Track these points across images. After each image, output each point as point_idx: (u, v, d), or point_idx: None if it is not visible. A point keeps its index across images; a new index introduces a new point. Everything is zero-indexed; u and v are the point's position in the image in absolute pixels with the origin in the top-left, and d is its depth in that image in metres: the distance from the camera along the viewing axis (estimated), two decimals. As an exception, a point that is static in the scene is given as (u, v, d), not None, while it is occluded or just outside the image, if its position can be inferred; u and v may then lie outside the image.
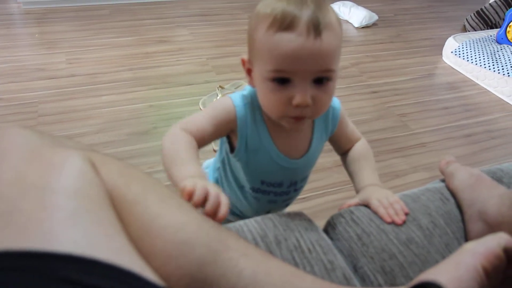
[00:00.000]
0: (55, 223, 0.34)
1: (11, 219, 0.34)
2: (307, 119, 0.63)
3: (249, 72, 0.64)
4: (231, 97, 0.67)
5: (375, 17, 2.86)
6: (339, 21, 0.59)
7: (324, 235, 0.61)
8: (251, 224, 0.61)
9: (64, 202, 0.36)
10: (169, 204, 0.45)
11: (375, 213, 0.65)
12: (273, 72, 0.57)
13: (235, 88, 1.90)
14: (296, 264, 0.55)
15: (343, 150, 0.81)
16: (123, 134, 1.62)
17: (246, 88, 0.69)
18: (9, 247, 0.32)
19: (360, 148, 0.79)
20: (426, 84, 2.19)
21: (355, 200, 0.70)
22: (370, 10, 2.90)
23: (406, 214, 0.65)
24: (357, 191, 0.73)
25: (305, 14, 0.54)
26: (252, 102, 0.67)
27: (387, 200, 0.66)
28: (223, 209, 0.49)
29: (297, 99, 0.57)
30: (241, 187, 0.79)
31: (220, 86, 1.88)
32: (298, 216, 0.65)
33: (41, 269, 0.31)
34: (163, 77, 2.03)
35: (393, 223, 0.63)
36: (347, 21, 2.89)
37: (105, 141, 1.58)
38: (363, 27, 2.82)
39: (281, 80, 0.57)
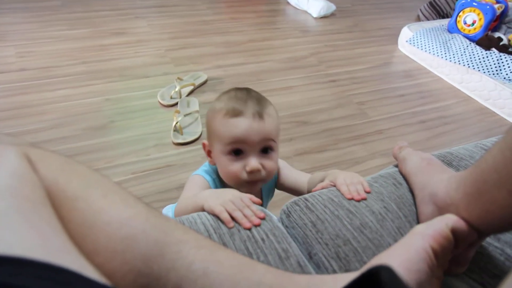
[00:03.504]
0: None
1: None
2: (260, 183, 0.77)
3: (209, 153, 0.80)
4: (202, 175, 0.82)
5: (333, 7, 2.89)
6: (276, 111, 0.78)
7: (279, 224, 0.61)
8: (204, 216, 0.60)
9: None
10: (113, 199, 0.43)
11: (338, 190, 0.69)
12: (230, 145, 0.73)
13: (194, 80, 1.87)
14: (249, 254, 0.55)
15: (307, 190, 0.85)
16: (79, 129, 1.57)
17: (206, 165, 0.85)
18: None
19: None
20: (383, 73, 2.24)
21: (326, 182, 0.74)
22: (328, 0, 2.92)
23: (368, 192, 0.69)
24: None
25: (249, 108, 0.73)
26: (216, 177, 0.83)
27: (351, 179, 0.71)
28: (256, 218, 0.60)
29: (250, 165, 0.73)
30: None
31: (178, 78, 1.84)
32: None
33: None
34: (120, 69, 1.97)
35: (352, 199, 0.67)
36: (306, 12, 2.91)
37: (61, 137, 1.52)
38: (321, 18, 2.84)
39: (236, 152, 0.73)
